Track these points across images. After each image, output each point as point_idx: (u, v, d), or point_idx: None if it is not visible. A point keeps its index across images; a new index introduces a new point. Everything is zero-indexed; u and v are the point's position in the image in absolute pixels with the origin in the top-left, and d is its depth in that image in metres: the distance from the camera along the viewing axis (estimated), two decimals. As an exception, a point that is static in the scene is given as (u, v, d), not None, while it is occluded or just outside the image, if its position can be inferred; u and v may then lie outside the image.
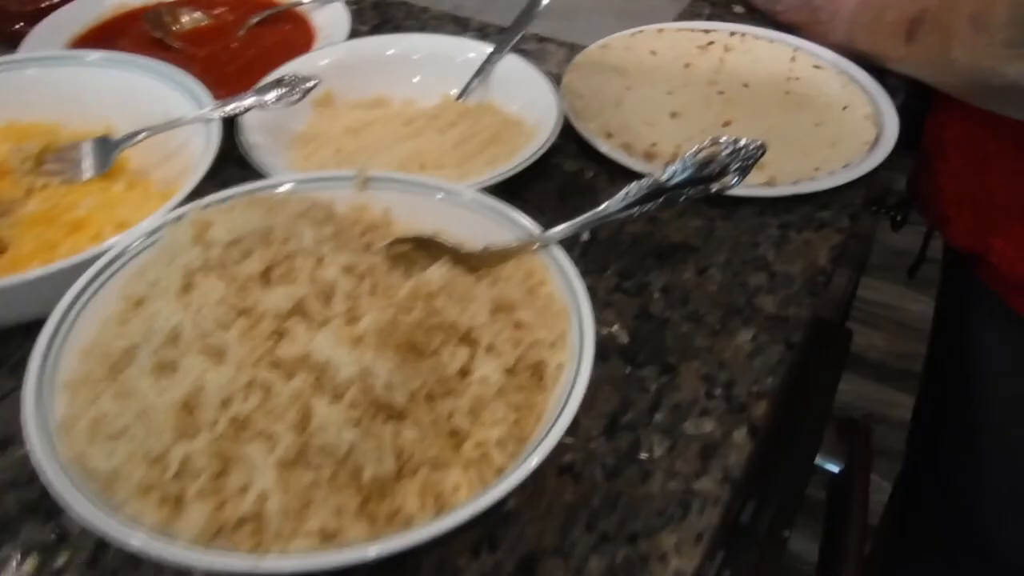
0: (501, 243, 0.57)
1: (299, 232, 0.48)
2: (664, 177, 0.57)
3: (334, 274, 0.46)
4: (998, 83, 0.66)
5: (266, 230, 0.47)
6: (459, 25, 0.95)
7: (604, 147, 0.74)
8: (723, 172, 0.57)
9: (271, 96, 0.68)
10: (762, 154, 0.57)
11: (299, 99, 0.68)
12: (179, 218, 0.54)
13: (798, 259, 0.68)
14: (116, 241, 0.55)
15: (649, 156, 0.75)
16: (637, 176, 0.72)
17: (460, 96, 0.79)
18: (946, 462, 0.93)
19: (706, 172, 0.57)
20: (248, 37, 0.89)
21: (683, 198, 0.57)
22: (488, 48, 0.80)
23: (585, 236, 0.69)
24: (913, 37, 0.75)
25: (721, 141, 0.57)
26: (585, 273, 0.67)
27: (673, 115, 0.81)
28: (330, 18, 0.89)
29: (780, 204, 0.72)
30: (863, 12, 0.83)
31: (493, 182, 0.66)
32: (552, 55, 0.90)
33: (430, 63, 0.81)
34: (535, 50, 0.90)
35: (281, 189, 0.60)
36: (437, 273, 0.49)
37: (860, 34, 0.84)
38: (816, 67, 0.85)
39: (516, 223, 0.58)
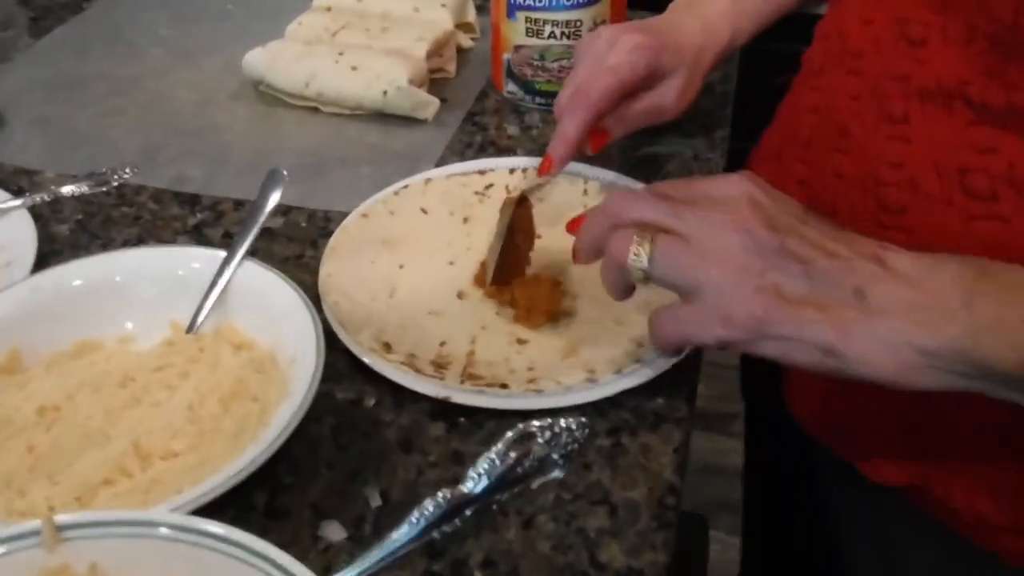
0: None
1: None
2: (467, 488, 0.43)
3: None
4: None
5: None
6: (185, 205, 0.77)
7: (383, 367, 0.60)
8: (543, 464, 0.44)
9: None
10: (588, 432, 0.44)
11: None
12: None
13: (640, 478, 0.56)
14: None
15: (440, 366, 0.61)
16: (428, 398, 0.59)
17: (191, 326, 0.62)
18: None
19: (521, 471, 0.43)
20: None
21: (496, 505, 0.43)
22: (218, 255, 0.64)
23: (376, 502, 0.54)
24: None
25: (534, 428, 0.43)
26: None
27: (461, 295, 0.67)
28: (11, 232, 0.70)
29: (604, 400, 0.60)
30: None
31: (240, 479, 0.50)
32: (302, 232, 0.74)
33: (147, 284, 0.63)
34: (280, 227, 0.74)
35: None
36: None
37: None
38: (611, 198, 0.74)
39: (277, 566, 0.43)
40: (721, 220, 0.51)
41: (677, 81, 0.74)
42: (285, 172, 0.68)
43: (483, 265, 0.68)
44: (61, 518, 0.45)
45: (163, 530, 0.45)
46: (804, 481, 0.74)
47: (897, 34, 0.56)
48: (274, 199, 0.66)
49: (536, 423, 0.43)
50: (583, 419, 0.44)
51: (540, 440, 0.43)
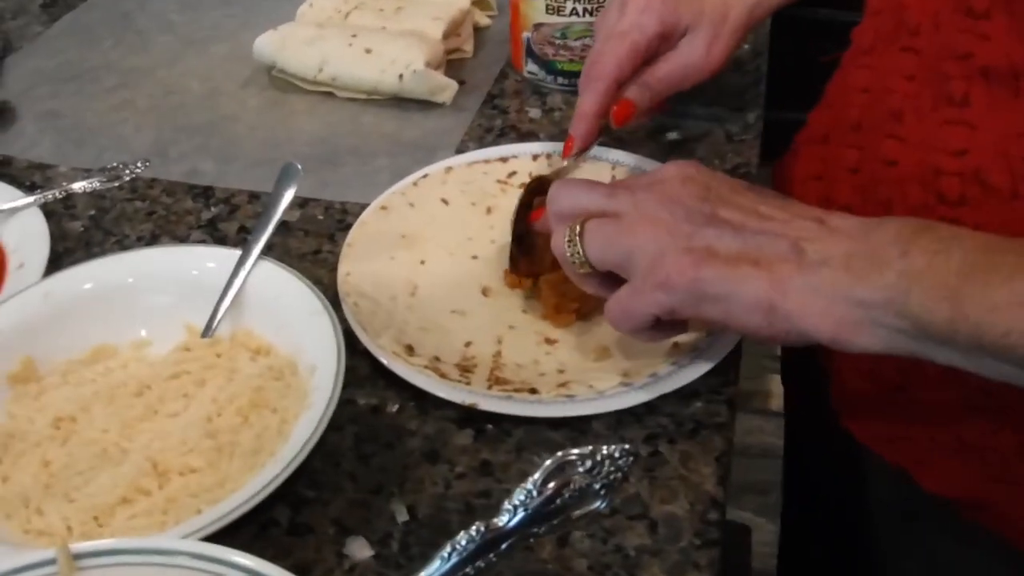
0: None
1: None
2: (503, 522, 0.40)
3: None
4: None
5: None
6: (199, 198, 0.75)
7: (406, 372, 0.57)
8: (584, 495, 0.41)
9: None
10: (633, 460, 0.41)
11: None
12: None
13: (680, 490, 0.53)
14: None
15: (465, 369, 0.58)
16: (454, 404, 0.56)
17: (207, 329, 0.60)
18: None
19: (559, 503, 0.41)
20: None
21: (534, 539, 0.41)
22: (233, 254, 0.61)
23: (403, 517, 0.52)
24: None
25: (573, 456, 0.40)
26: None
27: (485, 292, 0.64)
28: (23, 231, 0.68)
29: (639, 405, 0.57)
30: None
31: (260, 499, 0.47)
32: (319, 225, 0.71)
33: (160, 285, 0.61)
34: (296, 221, 0.71)
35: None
36: None
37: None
38: (641, 186, 0.71)
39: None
40: (651, 196, 0.52)
41: (701, 37, 0.69)
42: (300, 166, 0.66)
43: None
44: (77, 547, 0.43)
45: (182, 558, 0.43)
46: (845, 474, 0.71)
47: (957, 6, 0.52)
48: (288, 196, 0.63)
49: (575, 451, 0.40)
50: (626, 446, 0.41)
51: (580, 469, 0.40)
